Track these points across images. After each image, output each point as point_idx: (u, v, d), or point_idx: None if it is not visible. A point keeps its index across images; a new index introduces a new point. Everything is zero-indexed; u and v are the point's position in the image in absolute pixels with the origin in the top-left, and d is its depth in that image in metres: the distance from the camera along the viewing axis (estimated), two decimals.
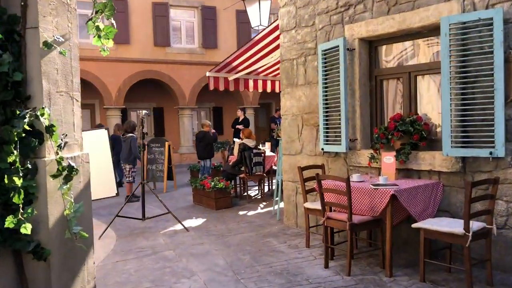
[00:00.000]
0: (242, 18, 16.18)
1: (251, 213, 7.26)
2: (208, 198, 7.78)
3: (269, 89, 10.53)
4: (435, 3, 4.36)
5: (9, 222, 2.36)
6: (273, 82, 10.41)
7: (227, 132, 17.27)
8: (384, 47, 5.17)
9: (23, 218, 2.41)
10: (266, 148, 9.40)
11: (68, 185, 2.69)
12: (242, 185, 8.91)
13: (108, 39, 2.71)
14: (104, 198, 6.27)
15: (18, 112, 2.51)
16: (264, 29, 7.96)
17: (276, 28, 7.21)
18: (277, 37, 7.17)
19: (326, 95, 5.40)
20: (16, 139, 2.45)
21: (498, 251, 4.02)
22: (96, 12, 2.65)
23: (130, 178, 8.87)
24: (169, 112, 17.56)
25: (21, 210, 2.42)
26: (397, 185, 4.13)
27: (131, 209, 7.53)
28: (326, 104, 5.41)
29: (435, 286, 3.81)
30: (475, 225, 3.69)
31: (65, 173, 2.66)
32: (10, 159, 2.42)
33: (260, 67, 9.27)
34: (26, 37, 2.66)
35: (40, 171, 2.64)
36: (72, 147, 2.96)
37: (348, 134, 5.20)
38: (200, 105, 17.68)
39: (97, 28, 2.69)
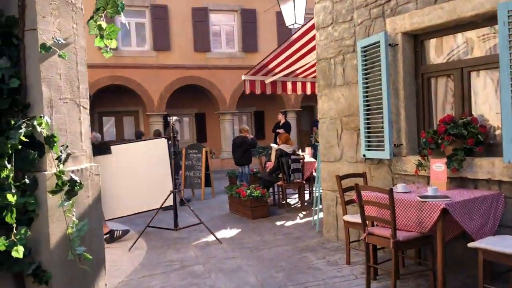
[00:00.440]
0: (282, 20, 15.56)
1: (289, 223, 6.86)
2: (244, 206, 7.45)
3: (309, 91, 10.02)
4: None
5: (0, 244, 2.13)
6: (313, 84, 9.88)
7: (269, 136, 16.92)
8: (431, 41, 4.63)
9: (15, 240, 2.17)
10: (306, 153, 8.96)
11: (71, 202, 2.44)
12: (280, 193, 8.50)
13: (111, 39, 2.44)
14: (158, 209, 6.09)
15: (13, 122, 2.29)
16: (301, 27, 7.54)
17: (313, 26, 6.78)
18: (315, 36, 6.72)
19: (367, 96, 4.93)
20: (10, 151, 2.22)
21: None
22: (98, 9, 2.38)
23: None
24: (211, 118, 17.50)
25: (14, 231, 2.19)
26: (449, 197, 3.60)
27: (167, 216, 7.29)
28: (367, 105, 4.93)
29: None
30: None
31: (66, 188, 2.41)
32: (3, 174, 2.19)
33: (298, 68, 8.80)
34: (25, 40, 2.44)
35: (40, 186, 2.40)
36: (79, 159, 2.71)
37: (392, 138, 4.70)
38: (241, 110, 17.48)
39: (99, 27, 2.42)
